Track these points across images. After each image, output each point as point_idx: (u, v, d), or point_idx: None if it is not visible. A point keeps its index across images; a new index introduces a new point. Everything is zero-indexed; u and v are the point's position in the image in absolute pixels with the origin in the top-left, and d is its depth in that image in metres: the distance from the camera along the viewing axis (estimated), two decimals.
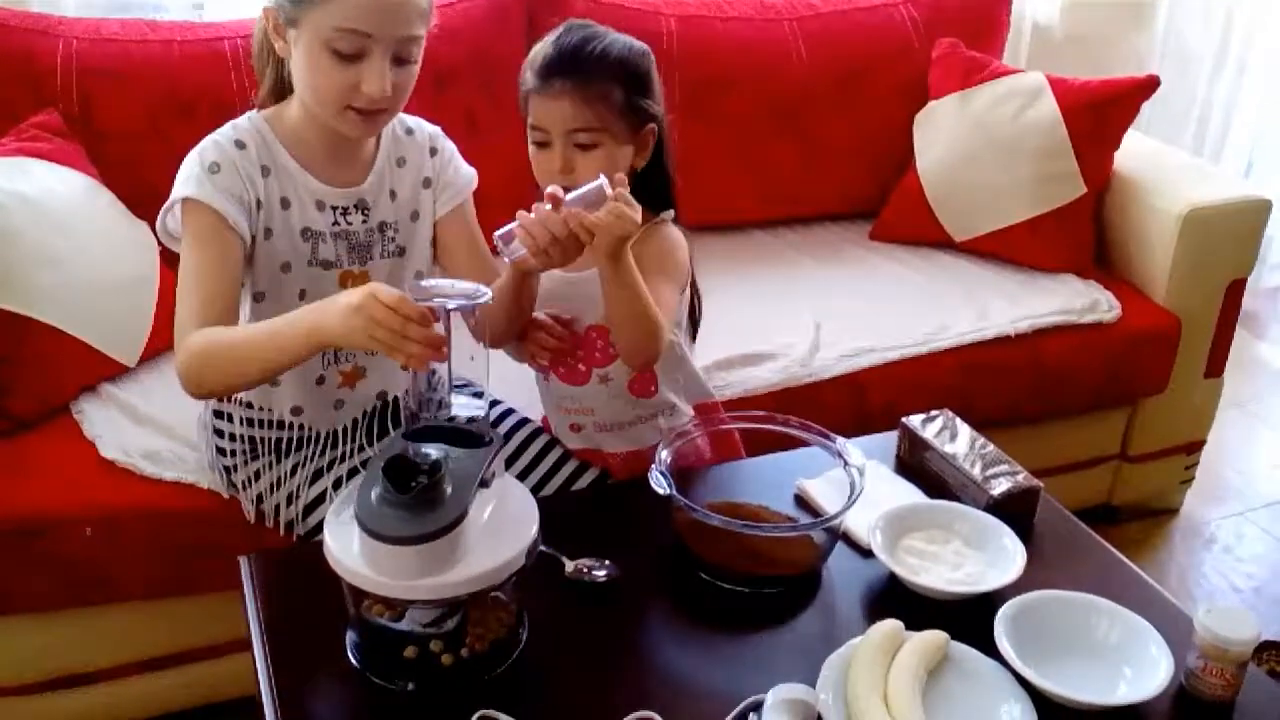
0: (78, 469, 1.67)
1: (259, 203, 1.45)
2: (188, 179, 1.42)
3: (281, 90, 1.50)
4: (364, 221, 1.52)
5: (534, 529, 1.19)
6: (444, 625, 1.17)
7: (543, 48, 1.47)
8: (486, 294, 1.25)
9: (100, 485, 1.65)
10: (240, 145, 1.45)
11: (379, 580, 1.12)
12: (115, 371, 1.83)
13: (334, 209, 1.50)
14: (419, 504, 1.12)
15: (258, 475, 1.60)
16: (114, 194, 1.91)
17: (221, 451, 1.61)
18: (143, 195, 1.93)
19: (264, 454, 1.59)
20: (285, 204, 1.47)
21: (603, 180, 1.33)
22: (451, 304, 1.24)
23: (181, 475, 1.66)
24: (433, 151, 1.58)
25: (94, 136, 1.95)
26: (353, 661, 1.21)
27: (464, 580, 1.13)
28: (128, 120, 1.98)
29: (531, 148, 1.48)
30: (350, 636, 1.22)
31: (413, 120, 1.58)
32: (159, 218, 1.47)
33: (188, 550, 1.67)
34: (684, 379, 1.63)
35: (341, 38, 1.35)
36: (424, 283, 1.30)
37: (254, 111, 1.50)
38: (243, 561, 1.35)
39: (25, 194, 1.76)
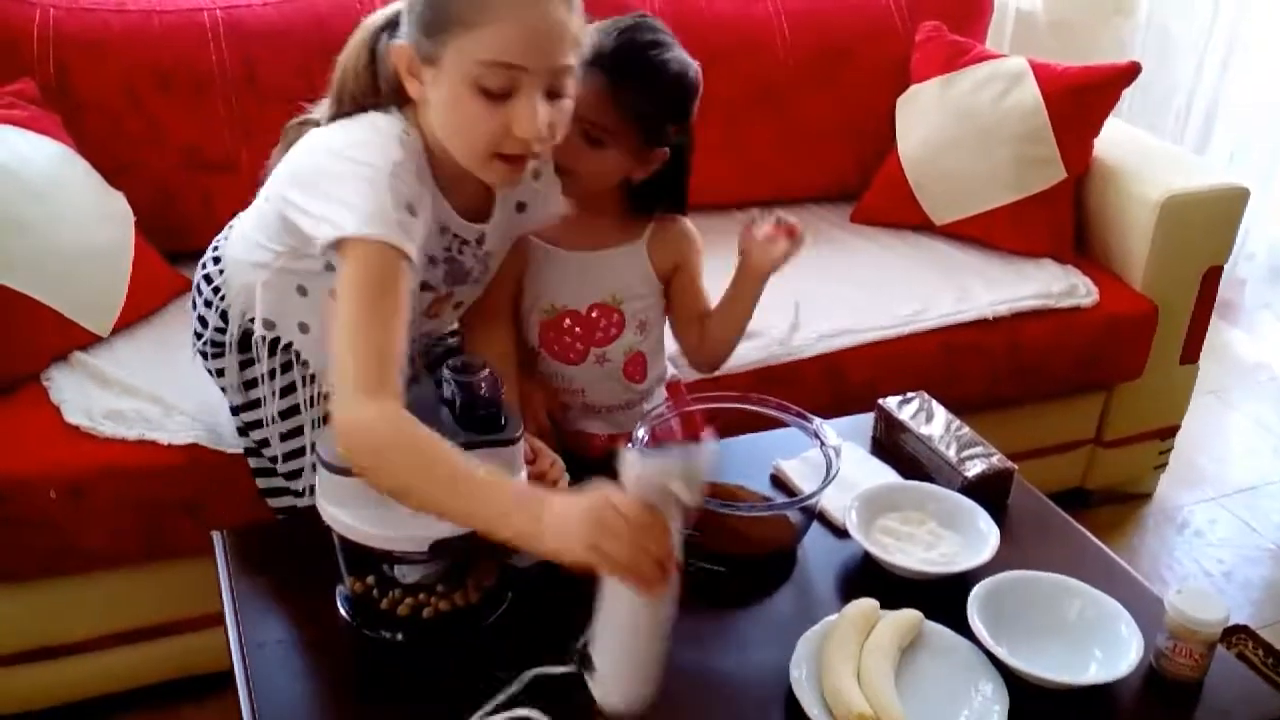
0: (41, 434, 1.66)
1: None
2: (385, 218, 1.19)
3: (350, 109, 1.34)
4: (475, 255, 1.44)
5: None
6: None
7: (605, 32, 1.42)
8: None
9: (63, 448, 1.64)
10: (420, 178, 1.28)
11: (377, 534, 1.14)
12: (87, 341, 1.81)
13: (455, 236, 1.39)
14: None
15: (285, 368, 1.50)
16: (90, 163, 1.89)
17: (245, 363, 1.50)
18: (119, 165, 1.93)
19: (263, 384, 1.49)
20: (429, 228, 1.33)
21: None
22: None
23: (144, 433, 1.65)
24: (536, 174, 1.45)
25: (70, 106, 1.93)
26: (344, 614, 1.22)
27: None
28: (105, 90, 1.96)
29: None
30: (341, 590, 1.23)
31: None
32: (323, 229, 1.21)
33: (154, 509, 1.66)
34: (665, 362, 1.65)
35: (490, 73, 1.19)
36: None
37: (402, 119, 1.30)
38: (216, 536, 1.35)
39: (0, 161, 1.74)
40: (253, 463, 1.59)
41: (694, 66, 1.48)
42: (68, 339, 1.79)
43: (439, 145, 1.30)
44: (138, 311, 1.88)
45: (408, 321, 1.20)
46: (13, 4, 1.94)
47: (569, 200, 1.56)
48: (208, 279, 1.54)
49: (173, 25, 2.01)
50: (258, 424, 1.54)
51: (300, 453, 1.55)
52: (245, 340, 1.49)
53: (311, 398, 1.50)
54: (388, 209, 1.20)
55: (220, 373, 1.55)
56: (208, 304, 1.53)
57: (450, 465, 1.10)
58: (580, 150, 1.43)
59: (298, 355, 1.49)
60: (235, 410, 1.56)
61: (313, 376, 1.50)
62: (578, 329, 1.55)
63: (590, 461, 1.59)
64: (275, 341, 1.48)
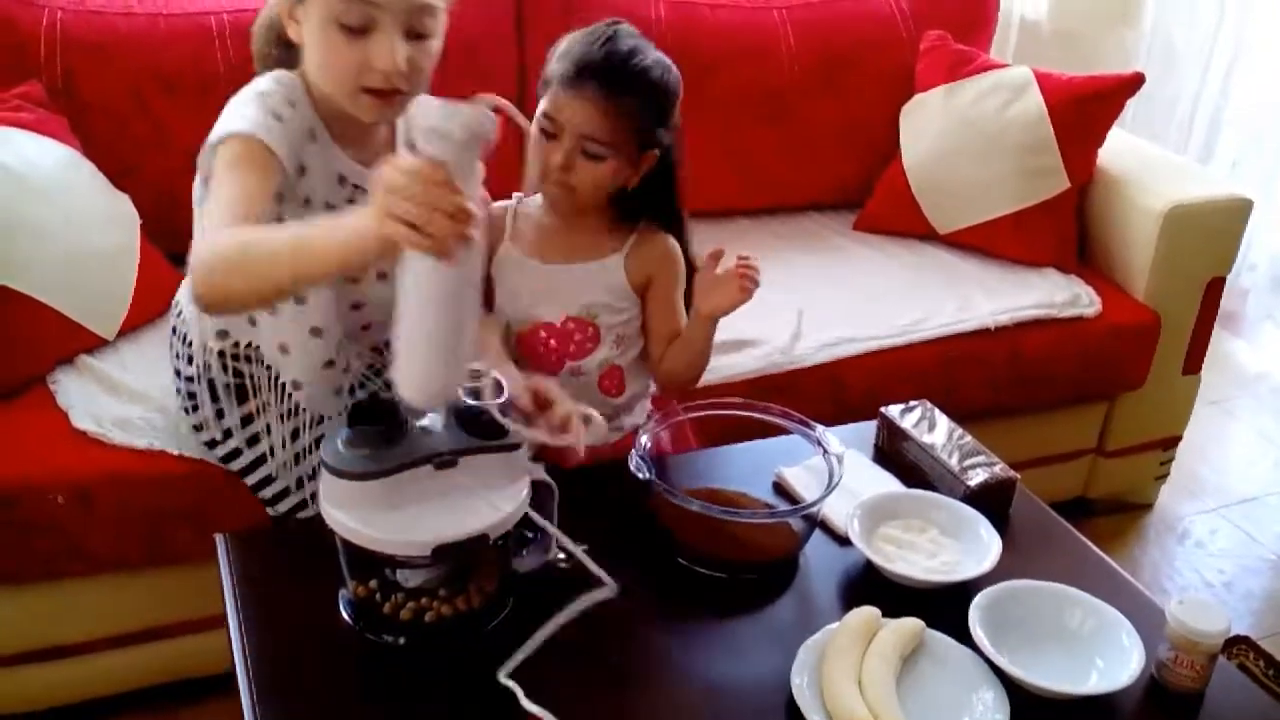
0: (49, 439, 1.66)
1: (303, 168, 1.40)
2: (249, 119, 1.33)
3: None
4: None
5: (524, 490, 1.20)
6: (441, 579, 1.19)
7: (586, 45, 1.43)
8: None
9: (71, 454, 1.64)
10: (292, 105, 1.39)
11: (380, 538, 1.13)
12: (93, 344, 1.82)
13: (354, 186, 1.46)
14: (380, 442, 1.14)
15: (247, 420, 1.58)
16: (95, 166, 1.89)
17: (214, 394, 1.58)
18: (125, 168, 1.93)
19: (253, 397, 1.56)
20: (323, 173, 1.43)
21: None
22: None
23: (153, 442, 1.66)
24: None
25: (77, 108, 1.93)
26: (346, 618, 1.22)
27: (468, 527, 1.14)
28: (111, 93, 1.96)
29: (535, 133, 1.46)
30: (344, 594, 1.23)
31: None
32: (204, 151, 1.35)
33: (160, 517, 1.66)
34: (649, 379, 1.65)
35: (348, 10, 1.31)
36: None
37: (290, 72, 1.43)
38: (219, 539, 1.35)
39: (6, 164, 1.75)
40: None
41: (673, 67, 1.49)
42: (73, 342, 1.79)
43: (323, 94, 1.40)
44: (143, 315, 1.88)
45: (271, 204, 1.31)
46: (19, 6, 1.94)
47: (554, 214, 1.55)
48: (174, 330, 1.61)
49: (179, 28, 2.01)
50: (247, 470, 1.60)
51: (285, 493, 1.60)
52: (214, 390, 1.56)
53: (282, 440, 1.57)
54: (252, 115, 1.33)
55: (199, 428, 1.61)
56: (178, 355, 1.60)
57: (281, 240, 1.21)
58: (581, 166, 1.44)
59: (254, 385, 1.55)
60: (223, 461, 1.62)
61: (283, 417, 1.56)
62: (552, 341, 1.55)
63: (565, 472, 1.59)
64: (241, 387, 1.55)
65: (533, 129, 1.46)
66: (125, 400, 1.73)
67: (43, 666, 1.73)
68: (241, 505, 1.62)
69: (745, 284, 1.45)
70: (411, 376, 1.03)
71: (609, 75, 1.41)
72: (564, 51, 1.44)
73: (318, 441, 1.57)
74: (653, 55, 1.46)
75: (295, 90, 1.40)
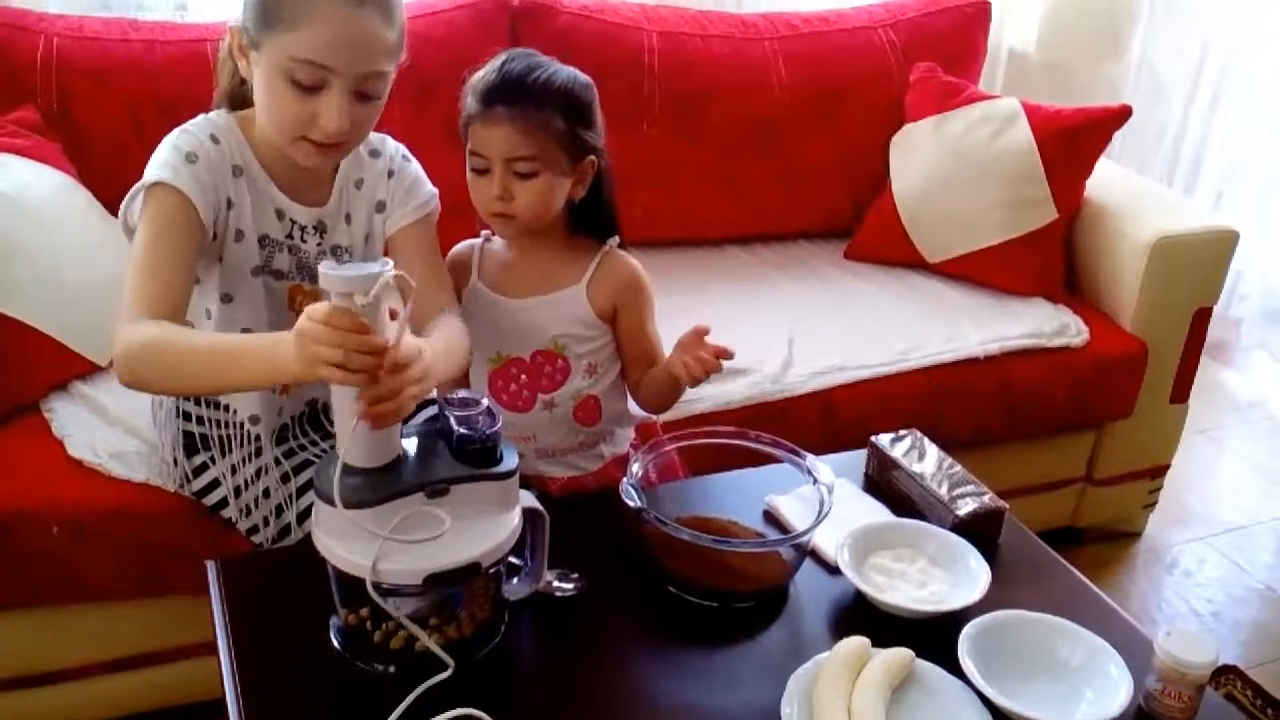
0: (45, 467, 1.66)
1: (230, 202, 1.42)
2: (162, 164, 1.37)
3: (238, 102, 1.47)
4: (318, 244, 1.51)
5: (516, 518, 1.21)
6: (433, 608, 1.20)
7: (485, 74, 1.46)
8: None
9: (67, 484, 1.64)
10: (215, 140, 1.41)
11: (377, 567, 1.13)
12: (86, 370, 1.82)
13: (293, 222, 1.49)
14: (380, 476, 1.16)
15: (203, 468, 1.60)
16: (91, 192, 1.90)
17: (189, 446, 1.60)
18: (120, 194, 1.92)
19: (211, 448, 1.58)
20: (253, 207, 1.45)
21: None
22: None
23: (149, 477, 1.66)
24: (389, 174, 1.54)
25: (73, 134, 1.95)
26: (336, 646, 1.22)
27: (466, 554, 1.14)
28: (107, 119, 1.97)
29: (470, 174, 1.48)
30: (334, 622, 1.23)
31: (378, 141, 1.54)
32: (123, 205, 1.41)
33: (154, 551, 1.66)
34: (628, 404, 1.65)
35: (300, 68, 1.32)
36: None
37: (224, 110, 1.47)
38: (210, 566, 1.35)
39: (1, 190, 1.75)
40: None
41: (579, 73, 1.50)
42: (67, 368, 1.80)
43: (264, 134, 1.42)
44: None
45: (193, 258, 1.37)
46: (16, 32, 1.96)
47: (514, 248, 1.56)
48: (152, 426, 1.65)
49: (175, 55, 2.02)
50: (218, 506, 1.62)
51: (258, 527, 1.59)
52: (175, 435, 1.60)
53: (235, 488, 1.58)
54: (166, 160, 1.37)
55: (169, 466, 1.65)
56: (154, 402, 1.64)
57: (201, 351, 1.29)
58: (517, 189, 1.45)
59: (211, 429, 1.58)
60: (197, 496, 1.63)
61: (239, 490, 1.59)
62: (524, 376, 1.56)
63: (556, 500, 1.57)
64: (204, 436, 1.58)
65: (468, 173, 1.48)
66: (121, 432, 1.73)
67: (34, 692, 1.73)
68: (237, 540, 1.61)
69: (692, 370, 1.44)
70: (350, 452, 1.17)
71: (512, 92, 1.43)
72: (468, 90, 1.47)
73: (273, 462, 1.58)
74: (553, 66, 1.47)
75: (222, 127, 1.43)
